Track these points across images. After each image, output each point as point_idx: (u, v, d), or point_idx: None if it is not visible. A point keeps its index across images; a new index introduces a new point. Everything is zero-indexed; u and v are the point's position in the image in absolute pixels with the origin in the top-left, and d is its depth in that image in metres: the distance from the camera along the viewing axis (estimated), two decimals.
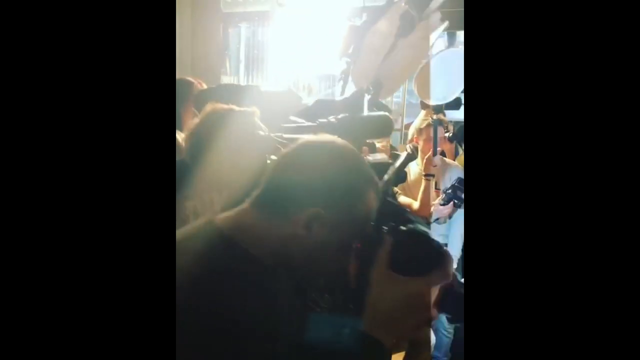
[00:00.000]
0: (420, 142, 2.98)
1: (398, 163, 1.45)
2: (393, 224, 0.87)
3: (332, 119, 1.21)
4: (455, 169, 3.01)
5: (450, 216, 2.80)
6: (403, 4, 1.56)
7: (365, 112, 1.30)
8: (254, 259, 0.86)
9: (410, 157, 1.50)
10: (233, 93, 1.74)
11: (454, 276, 0.83)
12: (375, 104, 1.36)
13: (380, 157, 1.15)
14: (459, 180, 2.75)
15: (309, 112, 1.53)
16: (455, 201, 2.70)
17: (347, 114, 1.24)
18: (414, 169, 2.95)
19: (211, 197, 1.25)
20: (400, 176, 1.45)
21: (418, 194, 2.75)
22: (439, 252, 0.83)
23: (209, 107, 1.36)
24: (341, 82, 2.44)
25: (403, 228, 0.85)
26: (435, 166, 2.75)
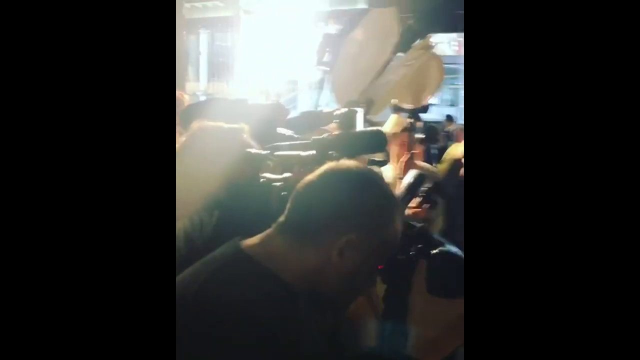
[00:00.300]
0: (394, 147, 2.97)
1: (407, 182, 1.45)
2: (420, 245, 0.90)
3: (326, 135, 1.20)
4: (426, 172, 3.01)
5: (424, 219, 2.81)
6: (410, 22, 1.58)
7: (359, 128, 1.30)
8: (285, 285, 0.86)
9: (422, 178, 1.52)
10: (220, 108, 1.71)
11: None
12: (366, 121, 1.38)
13: (417, 224, 1.16)
14: (432, 183, 2.75)
15: (295, 124, 1.51)
16: (429, 204, 2.70)
17: (340, 130, 1.23)
18: (388, 174, 2.93)
19: (201, 218, 1.21)
20: (413, 196, 1.47)
21: None
22: None
23: (196, 125, 1.32)
24: (318, 91, 2.43)
25: (435, 251, 0.88)
26: None
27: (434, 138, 4.35)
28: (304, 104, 9.31)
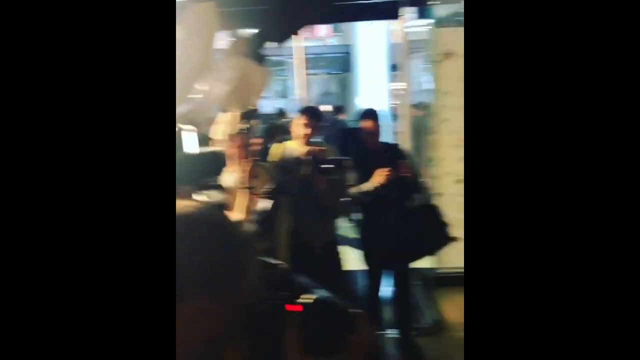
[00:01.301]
0: (232, 149, 2.79)
1: (264, 211, 1.27)
2: (282, 292, 0.77)
3: None
4: (262, 168, 2.91)
5: (269, 214, 2.74)
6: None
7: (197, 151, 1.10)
8: None
9: (277, 208, 1.35)
10: None
11: (376, 337, 0.75)
12: None
13: (275, 261, 0.97)
14: (271, 179, 2.69)
15: None
16: (272, 199, 2.64)
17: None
18: (229, 178, 2.74)
19: None
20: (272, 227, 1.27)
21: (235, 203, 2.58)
22: (351, 316, 0.75)
23: None
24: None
25: (305, 300, 0.75)
26: (257, 177, 2.62)
27: (272, 135, 4.32)
28: None
